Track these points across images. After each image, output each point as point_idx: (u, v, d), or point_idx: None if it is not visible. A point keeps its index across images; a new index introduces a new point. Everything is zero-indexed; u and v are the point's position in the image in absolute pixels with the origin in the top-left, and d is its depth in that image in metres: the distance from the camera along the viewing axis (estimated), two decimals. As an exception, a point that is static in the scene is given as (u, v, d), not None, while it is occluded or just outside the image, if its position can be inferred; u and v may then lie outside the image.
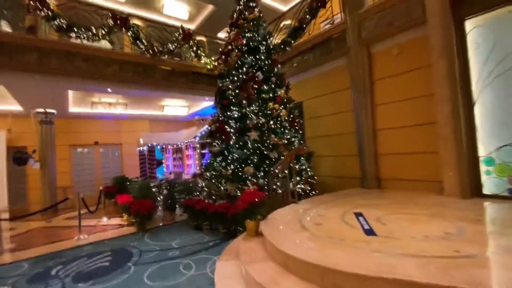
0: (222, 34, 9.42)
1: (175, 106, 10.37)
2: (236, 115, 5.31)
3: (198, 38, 7.86)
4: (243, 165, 4.89)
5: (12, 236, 5.67)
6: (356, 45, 5.40)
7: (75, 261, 3.91)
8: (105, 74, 6.15)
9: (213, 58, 7.85)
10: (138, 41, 6.45)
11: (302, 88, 6.85)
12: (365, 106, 5.35)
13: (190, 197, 6.13)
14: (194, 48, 7.52)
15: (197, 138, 8.11)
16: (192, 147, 8.55)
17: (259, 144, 4.99)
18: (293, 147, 5.40)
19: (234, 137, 5.23)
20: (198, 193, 6.08)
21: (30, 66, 5.21)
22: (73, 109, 8.90)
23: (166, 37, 7.20)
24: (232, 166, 5.00)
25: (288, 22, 7.61)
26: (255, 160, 4.88)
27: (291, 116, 5.58)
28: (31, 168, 8.37)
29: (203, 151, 8.22)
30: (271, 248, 2.68)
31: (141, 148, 9.25)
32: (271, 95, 5.46)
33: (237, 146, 5.14)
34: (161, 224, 5.76)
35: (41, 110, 7.96)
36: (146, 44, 6.54)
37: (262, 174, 4.79)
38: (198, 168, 8.03)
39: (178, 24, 7.64)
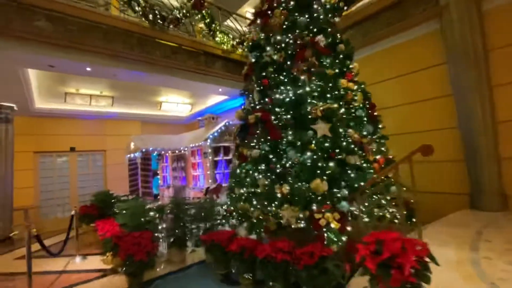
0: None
1: (175, 103, 8.35)
2: (287, 99, 3.42)
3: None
4: (306, 178, 2.98)
5: None
6: (459, 1, 3.71)
7: None
8: (81, 42, 4.14)
9: (230, 36, 6.04)
10: (132, 1, 4.54)
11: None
12: (478, 87, 3.60)
13: (209, 226, 4.10)
14: (207, 21, 5.68)
15: (209, 141, 6.13)
16: (201, 154, 6.52)
17: (327, 144, 3.10)
18: (373, 149, 3.57)
19: (289, 133, 3.33)
20: (222, 219, 4.06)
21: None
22: (41, 104, 6.76)
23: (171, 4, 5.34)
24: (290, 179, 3.07)
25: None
26: (328, 169, 2.96)
27: (367, 102, 3.74)
28: (-20, 183, 6.11)
29: (216, 158, 6.24)
30: None
31: (132, 155, 7.12)
32: (337, 70, 3.63)
33: (292, 146, 3.24)
34: (166, 272, 3.69)
35: (-7, 103, 5.83)
36: (143, 5, 4.62)
37: (346, 192, 2.88)
38: (211, 181, 6.00)
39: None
